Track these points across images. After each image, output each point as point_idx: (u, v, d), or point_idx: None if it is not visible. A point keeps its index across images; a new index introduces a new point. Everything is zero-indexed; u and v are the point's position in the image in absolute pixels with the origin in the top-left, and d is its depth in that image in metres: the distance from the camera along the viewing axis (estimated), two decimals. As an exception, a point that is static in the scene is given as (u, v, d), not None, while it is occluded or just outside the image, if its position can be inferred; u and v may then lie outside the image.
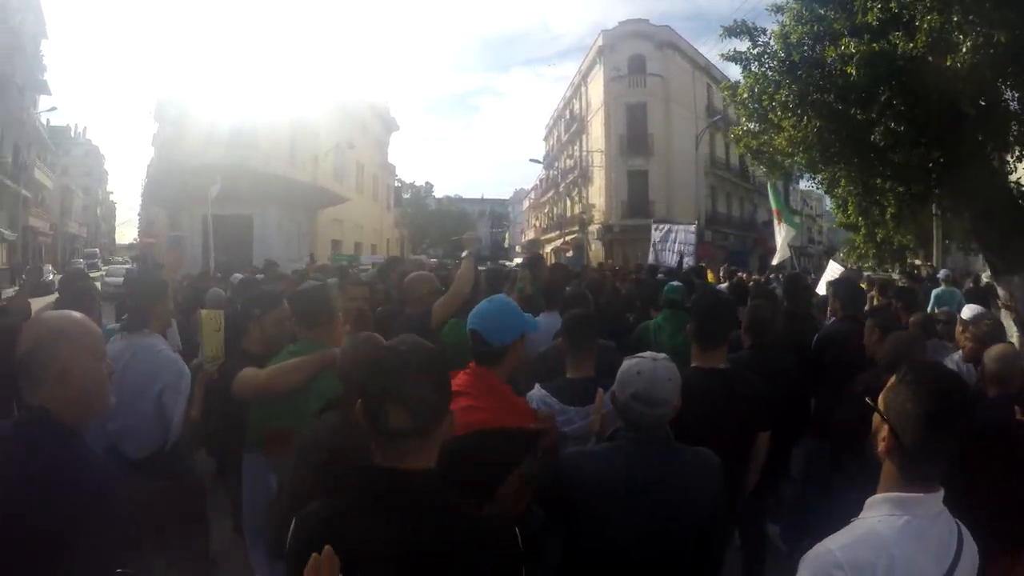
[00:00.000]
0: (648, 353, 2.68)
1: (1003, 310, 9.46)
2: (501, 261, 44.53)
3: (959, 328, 5.20)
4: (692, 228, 13.74)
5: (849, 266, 33.93)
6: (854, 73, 7.13)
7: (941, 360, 5.12)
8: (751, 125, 10.66)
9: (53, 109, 55.35)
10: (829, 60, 7.86)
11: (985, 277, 17.60)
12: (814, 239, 77.65)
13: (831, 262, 12.68)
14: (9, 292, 20.75)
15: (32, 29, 39.21)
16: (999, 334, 4.85)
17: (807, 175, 13.32)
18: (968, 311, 5.22)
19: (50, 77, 47.85)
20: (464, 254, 5.31)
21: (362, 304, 5.06)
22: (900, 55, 6.95)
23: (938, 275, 15.21)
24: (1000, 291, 9.32)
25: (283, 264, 23.42)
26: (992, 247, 8.84)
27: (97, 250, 71.53)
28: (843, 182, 13.23)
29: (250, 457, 3.79)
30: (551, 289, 6.43)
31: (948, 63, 6.64)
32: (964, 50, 6.52)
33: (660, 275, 13.35)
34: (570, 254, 46.81)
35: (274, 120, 29.96)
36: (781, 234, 13.60)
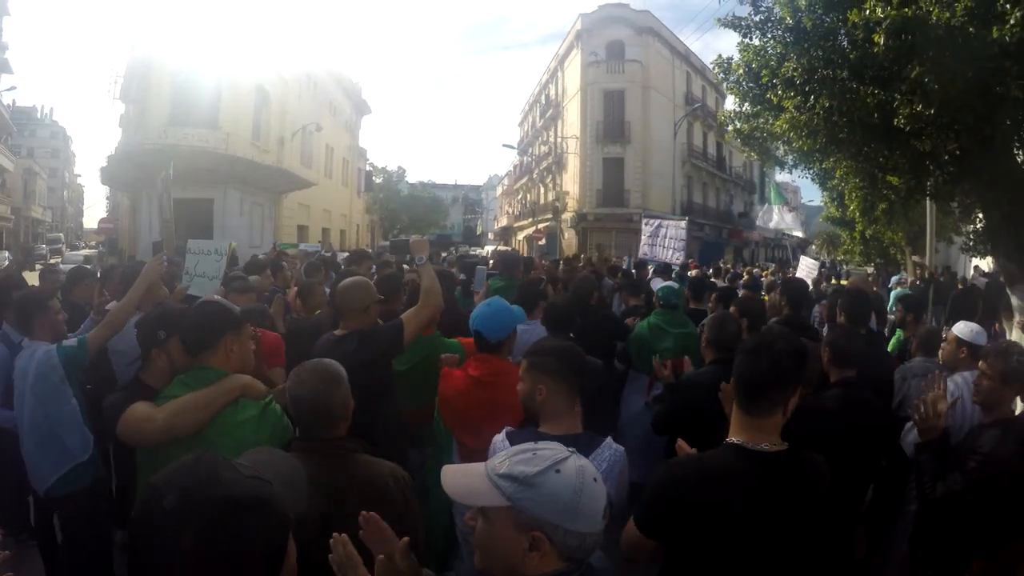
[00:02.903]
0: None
1: (1016, 326, 8.56)
2: (473, 248, 43.74)
3: (955, 349, 4.37)
4: (683, 224, 12.84)
5: (827, 261, 33.39)
6: (880, 42, 6.12)
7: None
8: (744, 107, 9.63)
9: (13, 88, 54.06)
10: (849, 26, 6.79)
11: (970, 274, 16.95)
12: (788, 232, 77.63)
13: (803, 257, 11.78)
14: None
15: (-9, 6, 37.24)
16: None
17: (800, 165, 12.32)
18: (965, 329, 4.35)
19: (13, 56, 45.91)
20: (420, 260, 4.47)
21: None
22: (935, 24, 5.92)
23: (891, 279, 14.56)
24: (1014, 300, 8.48)
25: (243, 251, 22.57)
26: (1010, 253, 7.91)
27: (61, 235, 70.41)
28: (839, 173, 12.29)
29: None
30: (526, 292, 5.60)
31: (993, 36, 5.65)
32: (1012, 21, 5.53)
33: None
34: (543, 242, 46.04)
35: (237, 100, 28.98)
36: (785, 219, 12.85)
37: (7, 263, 26.60)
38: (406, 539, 1.89)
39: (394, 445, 3.66)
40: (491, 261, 11.13)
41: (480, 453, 2.94)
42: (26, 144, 73.23)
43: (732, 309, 5.45)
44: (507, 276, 7.49)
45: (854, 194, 13.72)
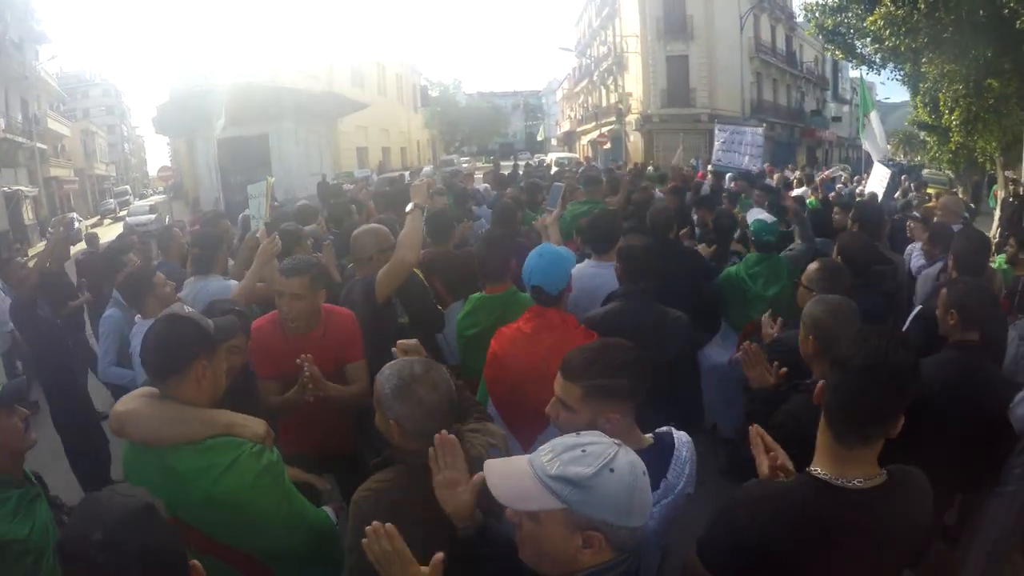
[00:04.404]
0: None
1: None
2: (537, 155, 42.81)
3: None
4: (760, 131, 12.01)
5: (904, 163, 31.54)
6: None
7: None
8: (831, -1, 8.81)
9: (53, 57, 55.08)
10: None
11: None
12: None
13: (877, 164, 10.58)
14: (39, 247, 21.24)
15: (17, -20, 37.38)
16: None
17: (889, 65, 11.22)
18: None
19: (54, 24, 46.18)
20: (409, 208, 4.04)
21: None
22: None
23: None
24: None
25: (303, 179, 22.68)
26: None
27: (128, 187, 71.50)
28: (932, 75, 11.18)
29: None
30: (604, 227, 4.74)
31: None
32: None
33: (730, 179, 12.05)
34: (608, 146, 44.86)
35: (277, 30, 28.97)
36: (876, 132, 11.50)
37: (77, 225, 26.81)
38: (479, 475, 1.85)
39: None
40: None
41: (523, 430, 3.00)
42: (80, 106, 74.37)
43: (836, 250, 4.71)
44: (591, 198, 7.22)
45: (956, 103, 12.36)
